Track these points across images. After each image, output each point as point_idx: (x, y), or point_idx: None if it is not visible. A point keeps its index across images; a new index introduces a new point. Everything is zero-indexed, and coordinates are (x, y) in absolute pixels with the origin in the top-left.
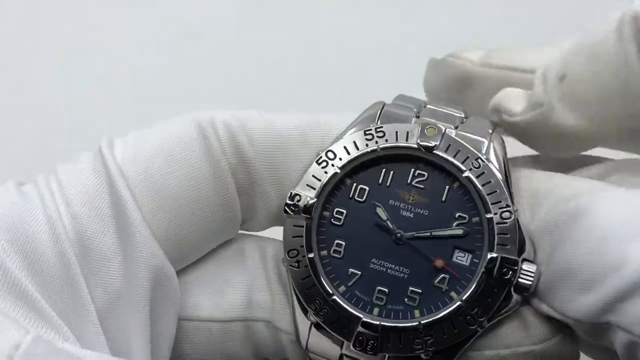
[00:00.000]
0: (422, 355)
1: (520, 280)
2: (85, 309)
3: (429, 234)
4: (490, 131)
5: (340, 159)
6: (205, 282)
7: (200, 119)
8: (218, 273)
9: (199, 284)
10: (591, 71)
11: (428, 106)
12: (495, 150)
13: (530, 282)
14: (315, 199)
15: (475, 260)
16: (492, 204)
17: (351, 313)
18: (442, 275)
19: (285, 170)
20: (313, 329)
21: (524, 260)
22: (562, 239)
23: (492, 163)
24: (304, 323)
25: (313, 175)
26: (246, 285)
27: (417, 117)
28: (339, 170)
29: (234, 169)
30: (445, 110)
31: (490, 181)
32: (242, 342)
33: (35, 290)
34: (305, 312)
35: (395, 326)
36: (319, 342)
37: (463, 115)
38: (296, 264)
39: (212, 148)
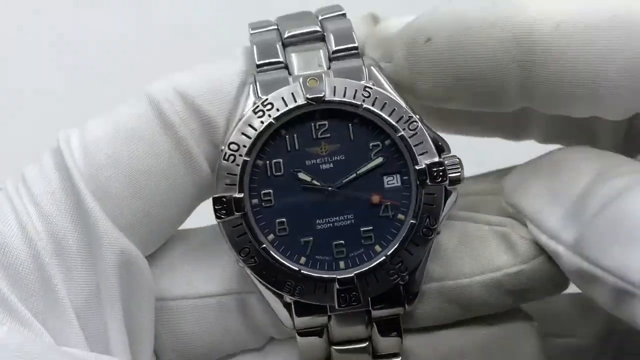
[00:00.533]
0: (400, 282)
1: (451, 175)
2: (62, 309)
3: (354, 174)
4: (359, 53)
5: (244, 145)
6: (195, 261)
7: (153, 94)
8: (207, 250)
9: (189, 263)
10: None
11: (288, 49)
12: (373, 71)
13: (459, 173)
14: (241, 193)
15: (404, 177)
16: (396, 122)
17: (324, 277)
18: (383, 205)
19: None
20: (294, 308)
21: (445, 157)
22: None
23: (377, 86)
24: (281, 308)
25: (228, 173)
26: (235, 261)
27: (287, 69)
28: (247, 158)
29: (196, 133)
30: (306, 45)
31: (385, 102)
32: (239, 316)
33: (9, 292)
34: (280, 297)
35: (366, 269)
36: (305, 317)
37: (319, 29)
38: (253, 260)
39: (168, 119)
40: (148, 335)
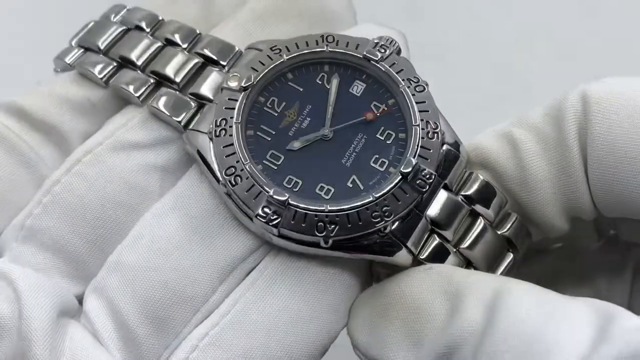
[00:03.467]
0: (446, 141)
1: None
2: None
3: (331, 107)
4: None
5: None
6: None
7: None
8: None
9: None
10: None
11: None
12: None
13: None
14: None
15: (362, 76)
16: (314, 45)
17: (395, 183)
18: (380, 110)
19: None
20: (394, 236)
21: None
22: None
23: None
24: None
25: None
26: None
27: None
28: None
29: (15, 128)
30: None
31: (286, 46)
32: None
33: None
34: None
35: (415, 149)
36: (413, 236)
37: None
38: (334, 227)
39: None
40: None
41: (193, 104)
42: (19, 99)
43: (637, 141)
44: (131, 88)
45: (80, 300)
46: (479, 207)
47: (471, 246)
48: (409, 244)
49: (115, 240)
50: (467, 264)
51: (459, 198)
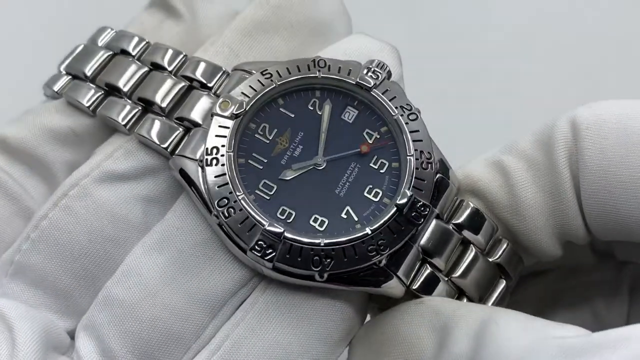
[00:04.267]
0: (439, 174)
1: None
2: None
3: (324, 135)
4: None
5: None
6: None
7: None
8: None
9: None
10: None
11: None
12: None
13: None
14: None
15: (354, 102)
16: (305, 71)
17: (390, 215)
18: (373, 139)
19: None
20: (387, 266)
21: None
22: None
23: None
24: (379, 284)
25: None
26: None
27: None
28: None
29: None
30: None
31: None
32: None
33: None
34: (372, 272)
35: (409, 178)
36: (403, 266)
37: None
38: (329, 261)
39: None
40: None
41: (179, 129)
42: (2, 130)
43: (628, 165)
44: (118, 117)
45: (72, 335)
46: (469, 234)
47: (463, 275)
48: (399, 273)
49: (105, 275)
50: (460, 293)
51: (450, 226)
